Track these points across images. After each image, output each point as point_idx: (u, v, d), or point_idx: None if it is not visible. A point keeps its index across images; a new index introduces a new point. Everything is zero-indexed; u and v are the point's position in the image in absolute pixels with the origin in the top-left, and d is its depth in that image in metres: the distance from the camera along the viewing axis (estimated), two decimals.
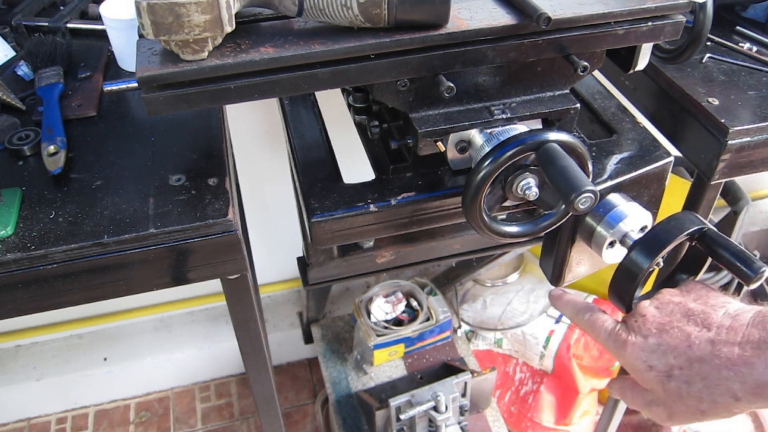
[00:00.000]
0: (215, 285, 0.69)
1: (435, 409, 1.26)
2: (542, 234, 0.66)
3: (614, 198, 0.68)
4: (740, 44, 0.88)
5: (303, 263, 0.90)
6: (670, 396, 0.51)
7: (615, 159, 0.73)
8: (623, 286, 0.59)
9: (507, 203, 0.66)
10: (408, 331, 1.42)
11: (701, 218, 0.59)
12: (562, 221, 0.65)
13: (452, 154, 0.67)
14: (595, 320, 0.58)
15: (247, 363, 0.82)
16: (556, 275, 0.76)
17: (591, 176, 0.65)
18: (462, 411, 1.34)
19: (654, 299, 0.56)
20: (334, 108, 1.04)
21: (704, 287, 0.56)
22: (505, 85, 0.67)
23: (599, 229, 0.67)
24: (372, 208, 0.67)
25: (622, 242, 0.65)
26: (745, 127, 0.74)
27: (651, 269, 0.58)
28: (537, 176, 0.62)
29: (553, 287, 0.72)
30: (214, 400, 1.78)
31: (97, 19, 0.86)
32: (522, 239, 0.66)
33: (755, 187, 1.98)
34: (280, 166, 1.44)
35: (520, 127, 0.65)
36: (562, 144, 0.58)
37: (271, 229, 1.64)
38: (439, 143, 0.66)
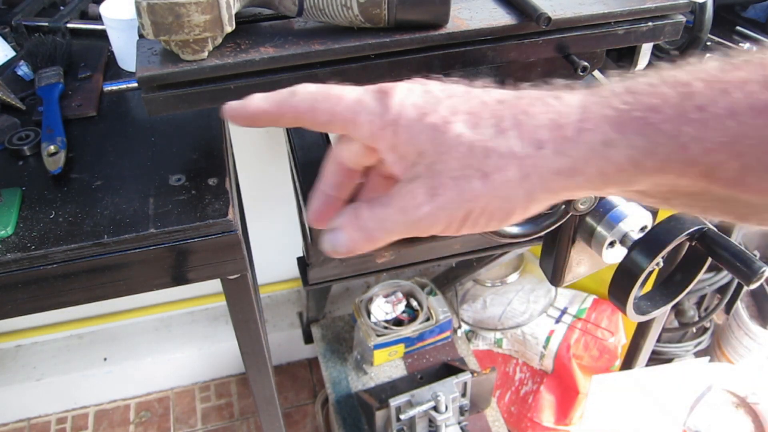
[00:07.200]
0: (215, 285, 0.69)
1: (435, 409, 1.26)
2: (542, 234, 0.66)
3: (614, 198, 0.68)
4: (740, 44, 0.88)
5: (303, 263, 0.90)
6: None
7: None
8: (623, 286, 0.59)
9: None
10: (408, 331, 1.42)
11: (701, 218, 0.59)
12: (562, 221, 0.65)
13: None
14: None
15: (247, 363, 0.81)
16: (556, 275, 0.76)
17: None
18: (462, 411, 1.34)
19: None
20: None
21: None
22: (505, 86, 0.67)
23: (599, 229, 0.67)
24: None
25: (622, 242, 0.65)
26: None
27: (651, 269, 0.58)
28: None
29: None
30: (214, 400, 1.78)
31: (97, 19, 0.86)
32: (522, 239, 0.66)
33: None
34: (280, 166, 1.43)
35: None
36: None
37: (271, 229, 1.64)
38: None
